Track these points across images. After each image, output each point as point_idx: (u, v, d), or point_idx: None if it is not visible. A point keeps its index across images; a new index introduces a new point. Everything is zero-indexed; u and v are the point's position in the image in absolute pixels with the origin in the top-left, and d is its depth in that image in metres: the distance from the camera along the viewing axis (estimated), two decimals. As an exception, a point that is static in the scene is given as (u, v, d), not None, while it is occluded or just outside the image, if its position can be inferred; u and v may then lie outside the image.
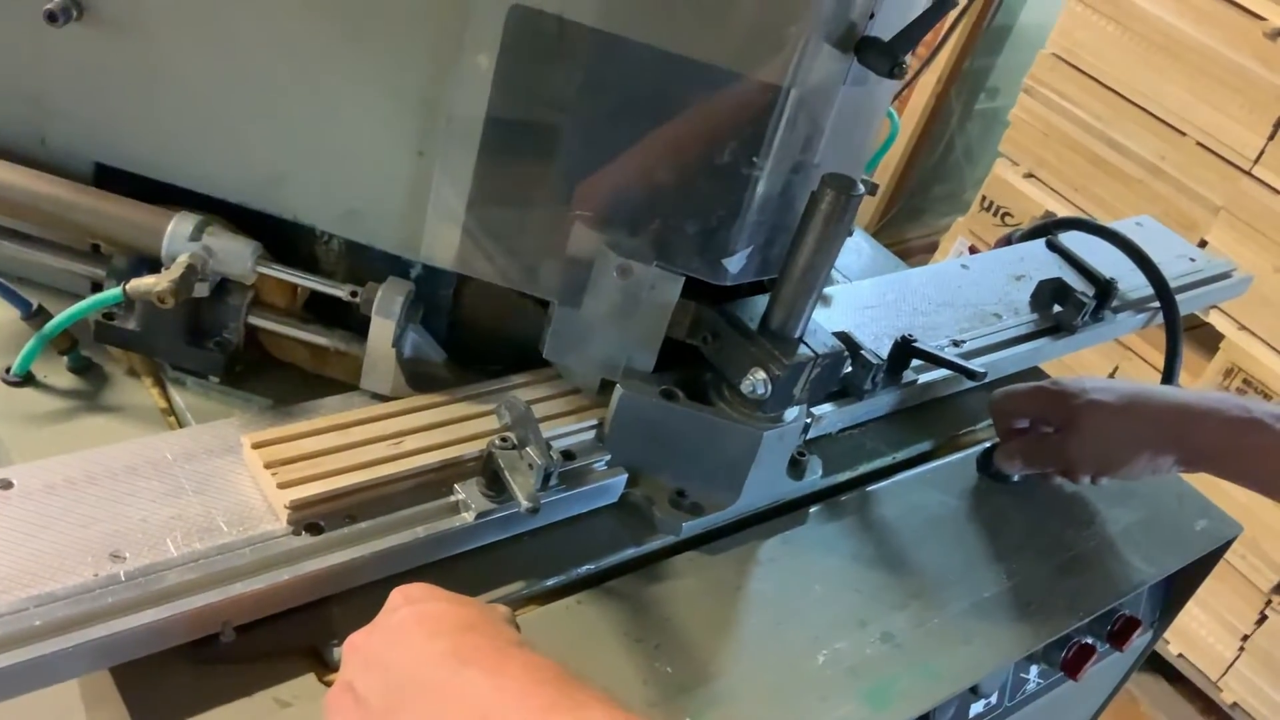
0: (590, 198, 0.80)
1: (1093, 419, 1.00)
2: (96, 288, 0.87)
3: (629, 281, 0.81)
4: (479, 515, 0.79)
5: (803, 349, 0.83)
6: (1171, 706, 2.69)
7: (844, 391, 1.04)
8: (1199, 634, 2.57)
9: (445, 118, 0.79)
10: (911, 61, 0.78)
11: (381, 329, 0.85)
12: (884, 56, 0.74)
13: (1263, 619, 2.46)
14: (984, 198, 2.86)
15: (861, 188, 0.75)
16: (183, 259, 0.82)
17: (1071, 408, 1.01)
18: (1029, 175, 2.79)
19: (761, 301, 0.85)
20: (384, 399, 0.87)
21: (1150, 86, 2.51)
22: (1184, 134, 2.47)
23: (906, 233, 3.86)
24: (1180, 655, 2.63)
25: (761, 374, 0.82)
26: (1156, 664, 2.66)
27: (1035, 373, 1.23)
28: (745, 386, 0.83)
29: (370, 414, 0.84)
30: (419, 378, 0.89)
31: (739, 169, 0.78)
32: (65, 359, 0.86)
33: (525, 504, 0.76)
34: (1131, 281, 1.30)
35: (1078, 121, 2.66)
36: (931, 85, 3.47)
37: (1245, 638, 2.51)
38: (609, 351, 0.86)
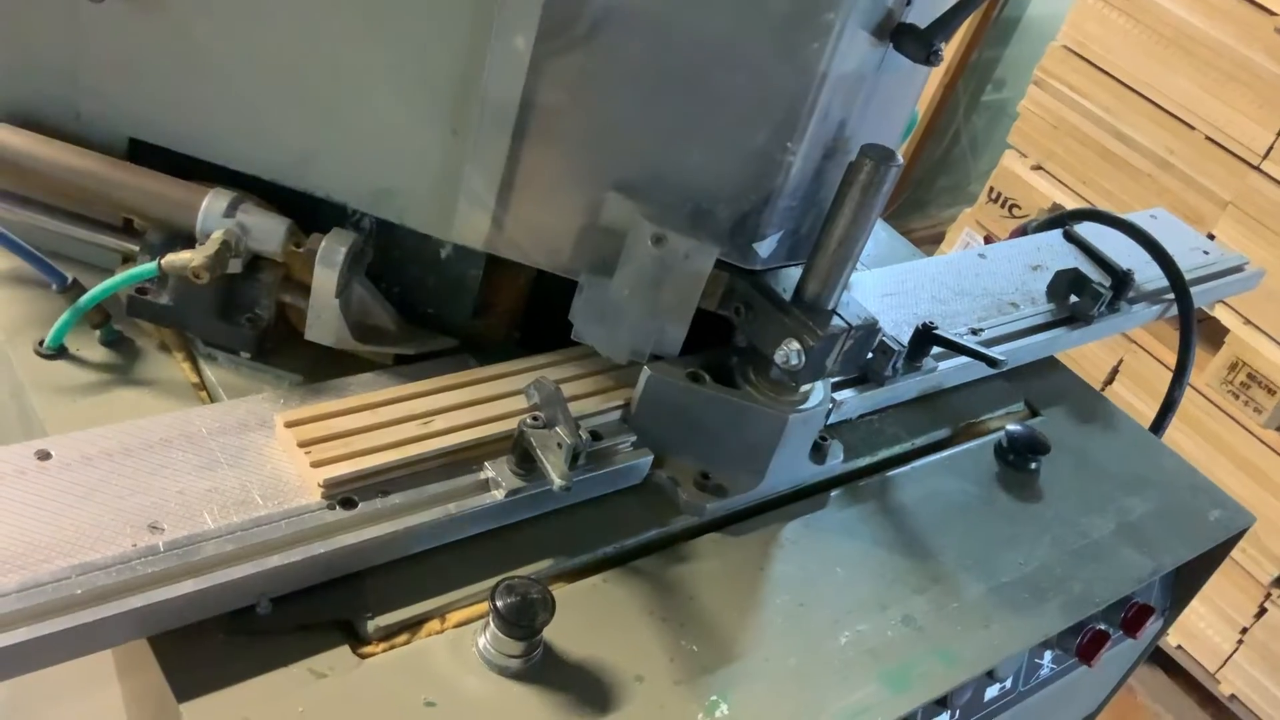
0: (626, 171, 0.81)
1: None
2: (129, 263, 0.87)
3: (663, 251, 0.81)
4: (509, 493, 0.80)
5: (836, 320, 0.83)
6: (1169, 698, 2.71)
7: (864, 377, 1.05)
8: (1198, 626, 2.59)
9: (480, 96, 0.80)
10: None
11: (324, 279, 0.84)
12: (920, 43, 0.75)
13: (1262, 612, 2.48)
14: (992, 189, 2.87)
15: (900, 158, 0.76)
16: (217, 235, 0.82)
17: None
18: (1037, 167, 2.79)
19: (795, 273, 0.86)
20: (404, 378, 0.87)
21: (1160, 80, 2.52)
22: (1193, 128, 2.48)
23: (911, 224, 3.86)
24: (1179, 647, 2.65)
25: (795, 344, 0.82)
26: (1155, 656, 2.68)
27: (1051, 362, 1.24)
28: (779, 356, 0.83)
29: (400, 393, 0.85)
30: (366, 330, 0.89)
31: (772, 153, 0.78)
32: (98, 333, 0.87)
33: (559, 482, 0.76)
34: (1145, 273, 1.31)
35: (1087, 114, 2.66)
36: (939, 76, 3.47)
37: (1244, 630, 2.52)
38: (640, 324, 0.86)
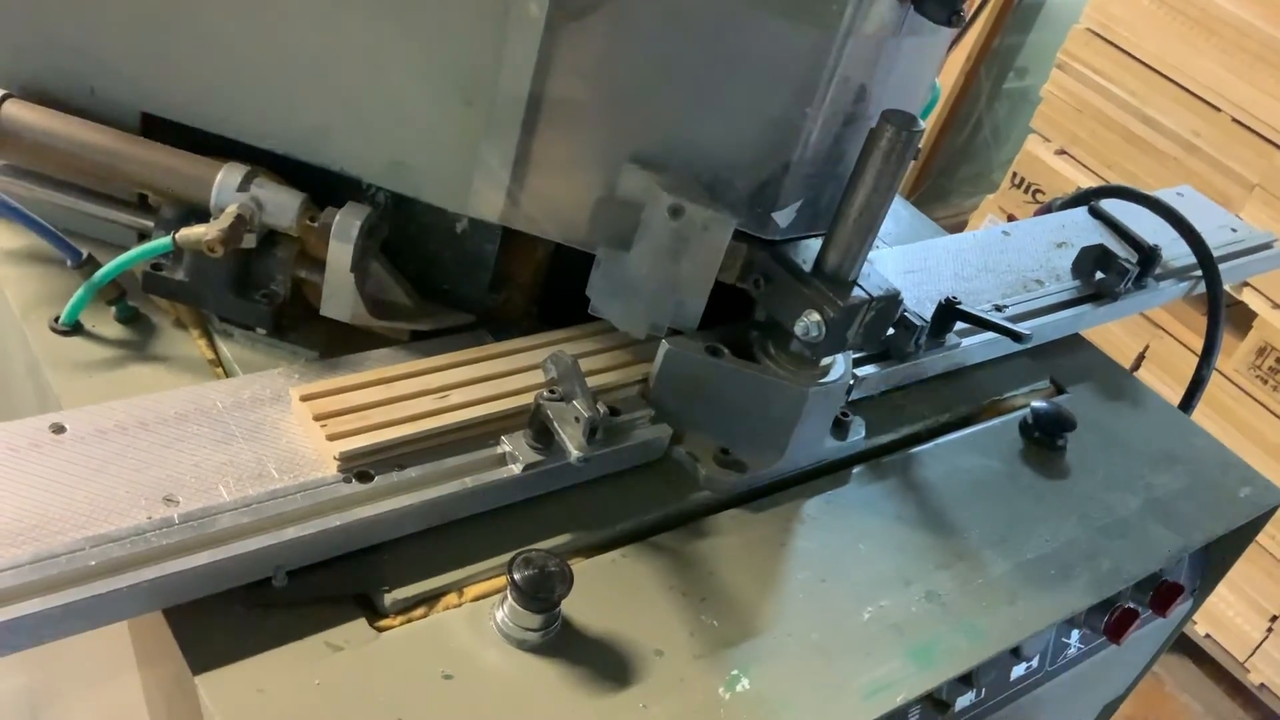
0: (642, 141, 0.80)
1: None
2: (143, 239, 0.87)
3: (680, 222, 0.80)
4: (526, 467, 0.79)
5: (857, 291, 0.82)
6: (1197, 687, 2.68)
7: (886, 354, 1.03)
8: (1226, 614, 2.56)
9: (494, 66, 0.79)
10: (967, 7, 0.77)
11: (339, 253, 0.84)
12: (941, 5, 0.74)
13: (1292, 599, 2.45)
14: (1015, 174, 2.84)
15: (922, 124, 0.74)
16: (231, 209, 0.82)
17: None
18: (1061, 152, 2.77)
19: (814, 245, 0.84)
20: (420, 354, 0.87)
21: (1185, 62, 2.49)
22: (1219, 110, 2.45)
23: (933, 213, 3.82)
24: (1207, 636, 2.62)
25: (815, 316, 0.81)
26: (1183, 644, 2.65)
27: (1077, 340, 1.22)
28: (799, 328, 0.82)
29: (416, 368, 0.84)
30: (382, 306, 0.88)
31: (792, 119, 0.77)
32: (113, 310, 0.86)
33: (576, 453, 0.75)
34: (1172, 251, 1.29)
35: (1112, 98, 2.63)
36: (960, 63, 3.44)
37: (1274, 618, 2.49)
38: (658, 298, 0.85)
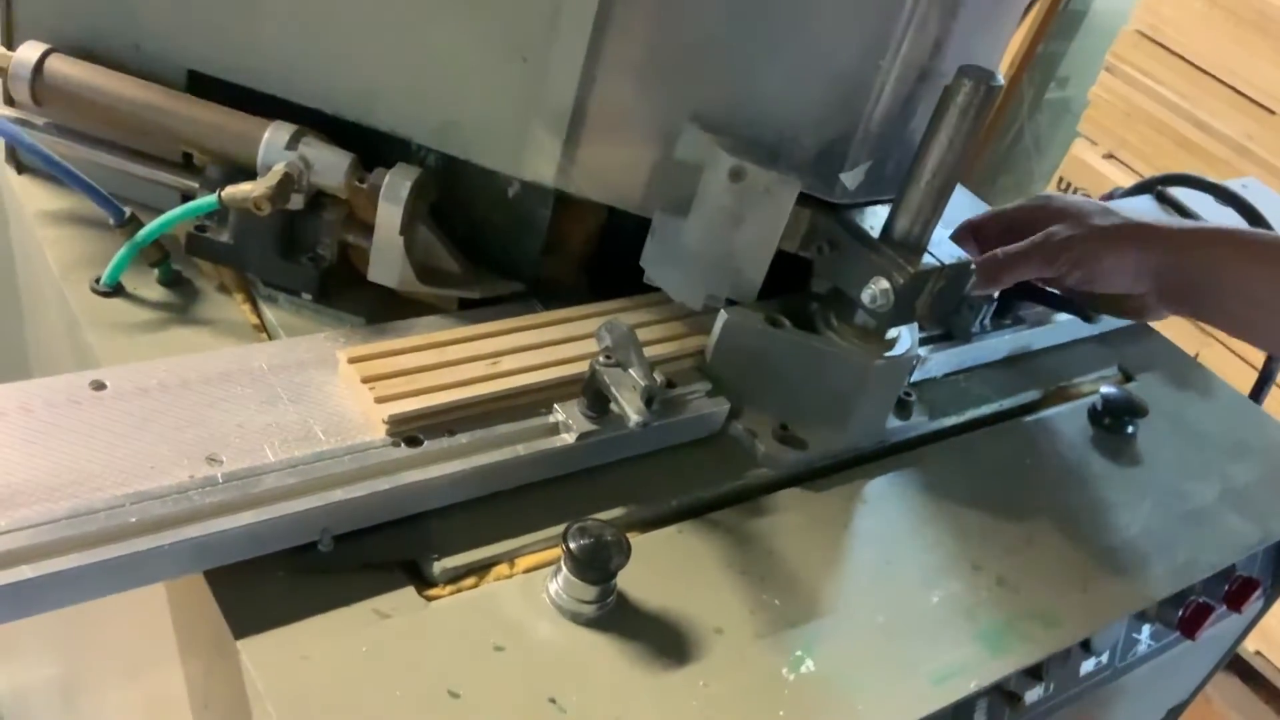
0: (703, 99, 0.77)
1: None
2: (187, 201, 0.84)
3: (742, 185, 0.77)
4: (581, 436, 0.76)
5: (928, 258, 0.78)
6: (1247, 705, 2.60)
7: (949, 334, 1.00)
8: (1277, 631, 2.49)
9: (551, 20, 0.76)
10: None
11: (389, 215, 0.81)
12: (1023, -48, 0.70)
13: (1348, 615, 2.37)
14: (1061, 179, 2.79)
15: (1001, 79, 0.71)
16: (279, 167, 0.79)
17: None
18: (1109, 156, 2.72)
19: (880, 212, 0.81)
20: (469, 322, 0.84)
21: (1239, 63, 2.43)
22: (1273, 113, 2.40)
23: (972, 223, 3.79)
24: (1257, 653, 2.55)
25: (884, 283, 0.77)
26: (1232, 661, 2.58)
27: (1143, 328, 1.18)
28: (865, 295, 0.78)
29: (467, 333, 0.81)
30: (430, 272, 0.85)
31: (864, 72, 0.74)
32: (155, 272, 0.84)
33: (636, 418, 0.72)
34: (1240, 240, 1.24)
35: (1162, 100, 2.58)
36: (1005, 68, 3.41)
37: (1328, 636, 2.42)
38: (716, 266, 0.82)
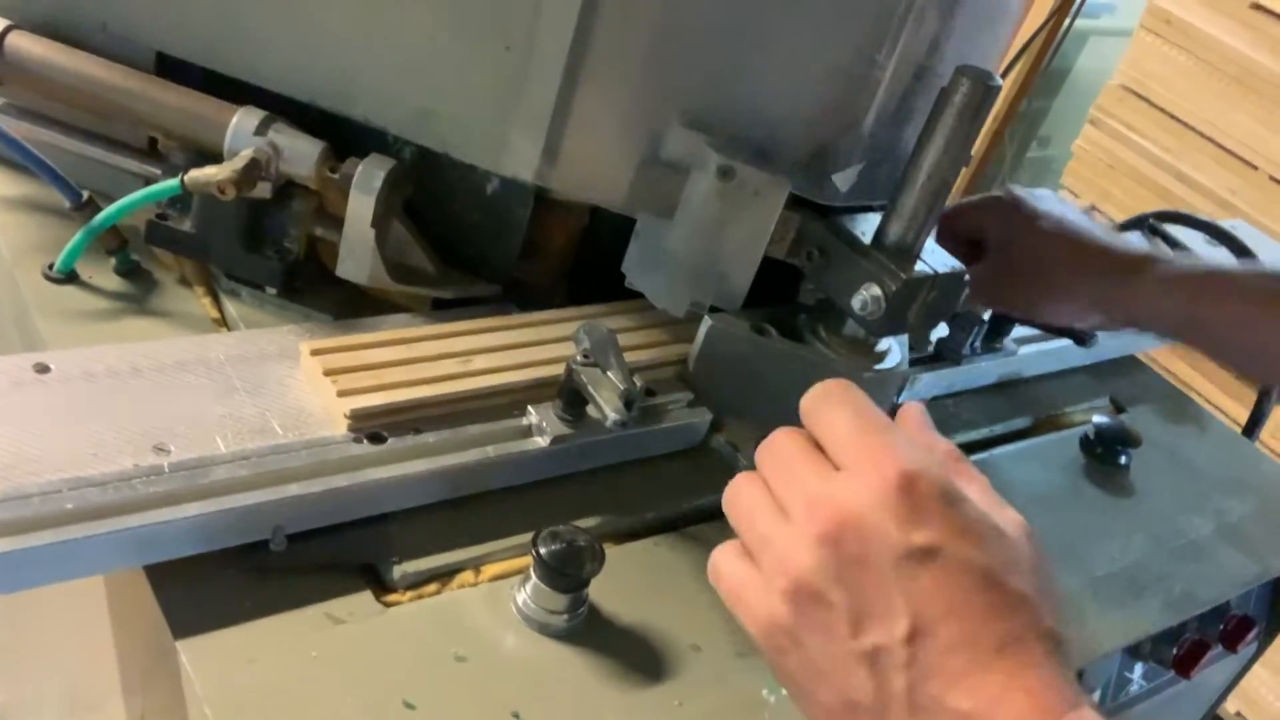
0: (693, 96, 0.74)
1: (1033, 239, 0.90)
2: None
3: (730, 185, 0.74)
4: (555, 439, 0.72)
5: (921, 265, 0.75)
6: (1228, 768, 2.55)
7: (939, 355, 0.96)
8: (1259, 691, 2.45)
9: (536, 7, 0.73)
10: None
11: (360, 206, 0.77)
12: (1026, -55, 0.68)
13: (1330, 676, 2.34)
14: (1043, 230, 2.79)
15: (999, 81, 0.68)
16: (246, 152, 0.76)
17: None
18: (1092, 208, 2.71)
19: (871, 219, 0.78)
20: (441, 322, 0.80)
21: (1222, 118, 2.44)
22: (1256, 168, 2.40)
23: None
24: (1238, 714, 2.51)
25: (875, 289, 0.74)
26: (1212, 723, 2.54)
27: (1135, 361, 1.15)
28: (856, 302, 0.75)
29: (438, 331, 0.78)
30: (401, 270, 0.81)
31: (859, 68, 0.71)
32: (113, 260, 0.80)
33: (613, 415, 0.68)
34: (1231, 278, 1.22)
35: (1145, 154, 2.59)
36: (987, 124, 3.42)
37: (1309, 695, 2.38)
38: (701, 271, 0.78)
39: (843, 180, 0.76)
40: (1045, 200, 0.93)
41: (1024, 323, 0.98)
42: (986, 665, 0.47)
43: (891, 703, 0.48)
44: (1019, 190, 0.93)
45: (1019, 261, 0.89)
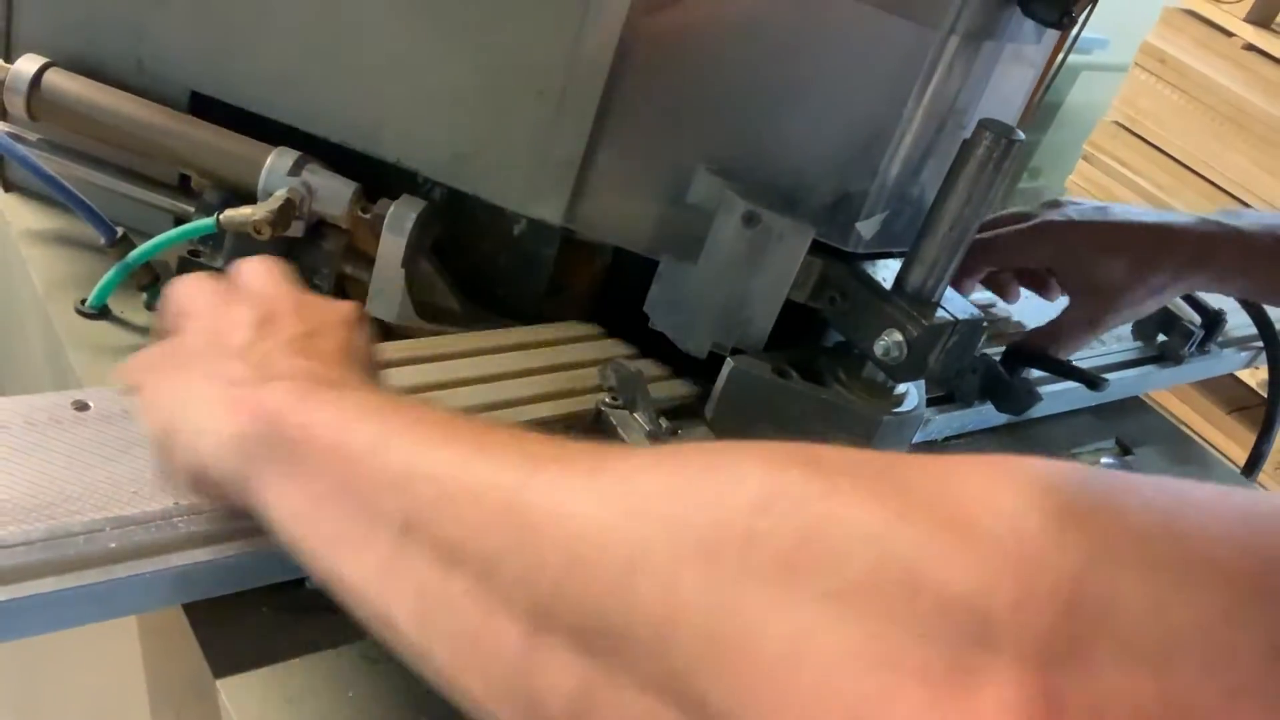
0: (719, 143, 0.75)
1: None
2: (180, 224, 0.82)
3: (755, 231, 0.75)
4: (583, 479, 0.73)
5: (941, 312, 0.77)
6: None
7: (950, 397, 0.98)
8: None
9: (569, 57, 0.75)
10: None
11: (391, 247, 0.79)
12: (1051, 5, 0.70)
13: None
14: (1037, 264, 2.82)
15: (1022, 135, 0.70)
16: (281, 192, 0.77)
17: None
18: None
19: (892, 264, 0.80)
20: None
21: (1214, 157, 2.48)
22: (1247, 205, 2.43)
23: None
24: None
25: (898, 335, 0.76)
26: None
27: (1139, 402, 1.17)
28: (879, 348, 0.77)
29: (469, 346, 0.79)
30: (428, 308, 0.83)
31: (881, 122, 0.73)
32: (144, 296, 0.81)
33: (644, 460, 0.69)
34: (1232, 321, 1.24)
35: (1138, 190, 2.62)
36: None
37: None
38: (724, 314, 0.80)
39: (866, 229, 0.78)
40: (1085, 205, 0.96)
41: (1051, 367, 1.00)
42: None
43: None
44: (1064, 205, 0.97)
45: (1103, 277, 0.94)
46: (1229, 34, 2.44)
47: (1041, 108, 3.74)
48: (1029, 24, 0.75)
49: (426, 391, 0.73)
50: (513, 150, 0.79)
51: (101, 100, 0.80)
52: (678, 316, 0.83)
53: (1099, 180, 2.69)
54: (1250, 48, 2.44)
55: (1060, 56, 2.46)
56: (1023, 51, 0.77)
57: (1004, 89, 0.80)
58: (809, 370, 0.84)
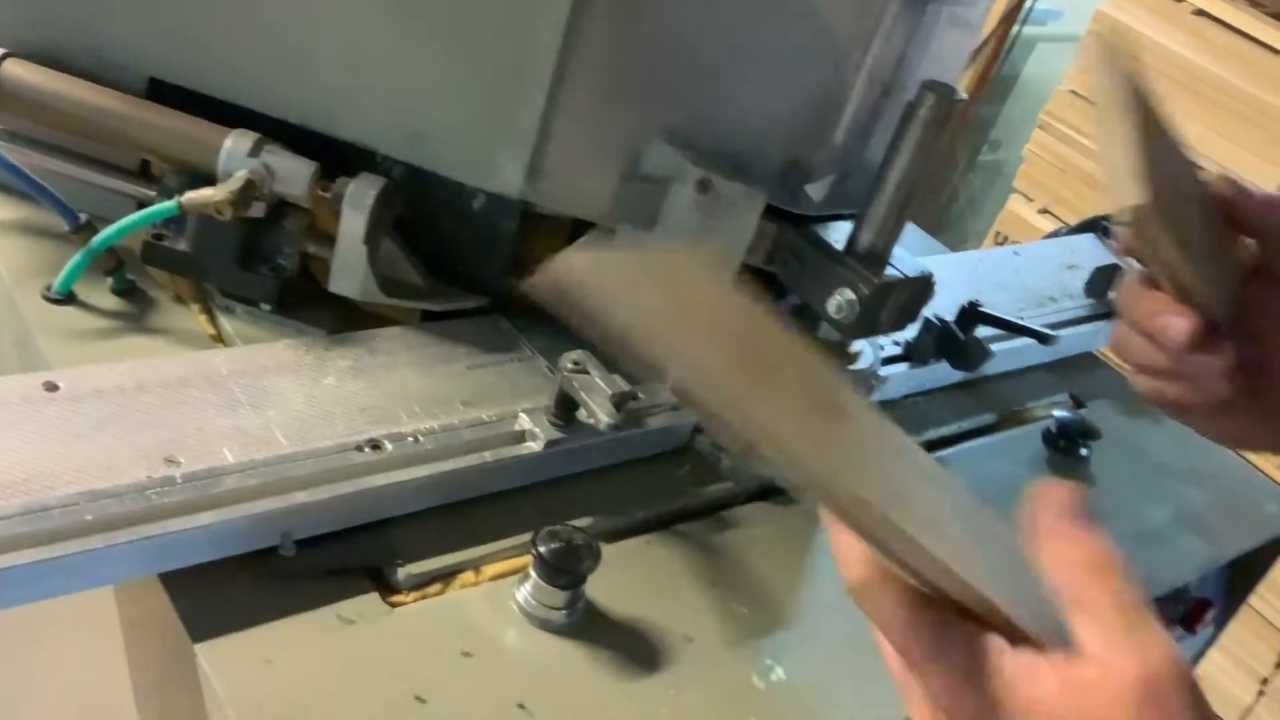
0: (672, 112, 0.77)
1: None
2: (142, 209, 0.83)
3: (708, 198, 0.77)
4: (548, 444, 0.75)
5: (890, 270, 0.79)
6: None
7: (907, 356, 1.00)
8: (1216, 677, 2.52)
9: (521, 33, 0.76)
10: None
11: (353, 224, 0.80)
12: (985, -33, 0.72)
13: (1285, 660, 2.41)
14: (998, 233, 2.86)
15: (963, 94, 0.72)
16: (241, 173, 0.78)
17: None
18: (1044, 211, 2.78)
19: (843, 226, 0.82)
20: (432, 334, 0.83)
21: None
22: (1202, 169, 2.47)
23: (911, 279, 3.84)
24: (1197, 700, 2.57)
25: (849, 294, 0.78)
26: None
27: (1092, 358, 1.20)
28: (830, 306, 0.79)
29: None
30: (392, 284, 0.84)
31: (828, 87, 0.75)
32: (110, 280, 0.82)
33: (606, 420, 0.71)
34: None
35: (1094, 156, 2.65)
36: (940, 129, 3.49)
37: (1264, 681, 2.45)
38: (683, 281, 0.82)
39: (816, 191, 0.80)
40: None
41: None
42: None
43: None
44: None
45: None
46: (1178, 0, 2.48)
47: (999, 80, 3.76)
48: (966, -13, 0.77)
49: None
50: (469, 126, 0.80)
51: (61, 89, 0.81)
52: (636, 284, 0.85)
53: (1055, 148, 2.72)
54: (1201, 13, 2.48)
55: (1015, 29, 2.48)
56: (960, 14, 0.79)
57: (947, 47, 0.82)
58: (766, 333, 0.87)
